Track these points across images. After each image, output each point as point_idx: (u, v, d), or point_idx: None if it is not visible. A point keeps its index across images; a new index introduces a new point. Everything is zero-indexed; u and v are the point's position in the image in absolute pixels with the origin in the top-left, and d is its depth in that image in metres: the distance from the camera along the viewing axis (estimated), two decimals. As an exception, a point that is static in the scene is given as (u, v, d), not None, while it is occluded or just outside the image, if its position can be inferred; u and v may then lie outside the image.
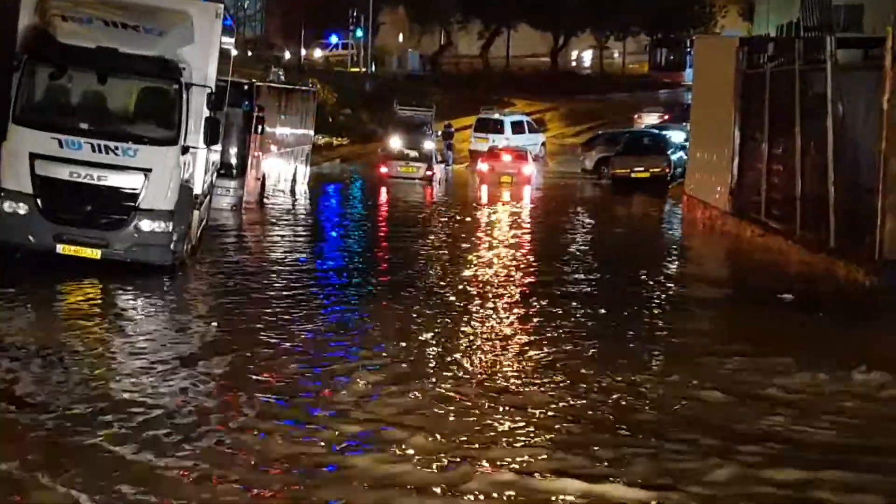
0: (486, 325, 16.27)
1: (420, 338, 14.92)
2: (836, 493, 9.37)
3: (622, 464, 9.96)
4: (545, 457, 10.16)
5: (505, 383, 12.75)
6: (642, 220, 35.05)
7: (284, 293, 18.06)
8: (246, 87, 27.93)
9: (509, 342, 15.09)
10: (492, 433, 10.77)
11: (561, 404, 11.87)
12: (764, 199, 24.76)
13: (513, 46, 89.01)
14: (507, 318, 16.82)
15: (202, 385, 12.25)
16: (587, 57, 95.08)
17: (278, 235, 26.01)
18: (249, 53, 63.87)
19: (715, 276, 22.68)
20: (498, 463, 9.92)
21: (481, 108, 58.78)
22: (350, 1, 73.22)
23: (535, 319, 16.71)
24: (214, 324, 15.59)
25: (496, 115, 57.02)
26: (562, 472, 9.74)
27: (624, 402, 11.94)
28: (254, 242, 25.12)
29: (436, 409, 11.46)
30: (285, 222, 28.64)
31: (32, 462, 9.43)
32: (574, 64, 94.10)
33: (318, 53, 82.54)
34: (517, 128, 55.16)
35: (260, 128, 28.57)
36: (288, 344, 14.39)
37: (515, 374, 13.27)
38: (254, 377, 12.57)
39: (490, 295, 18.67)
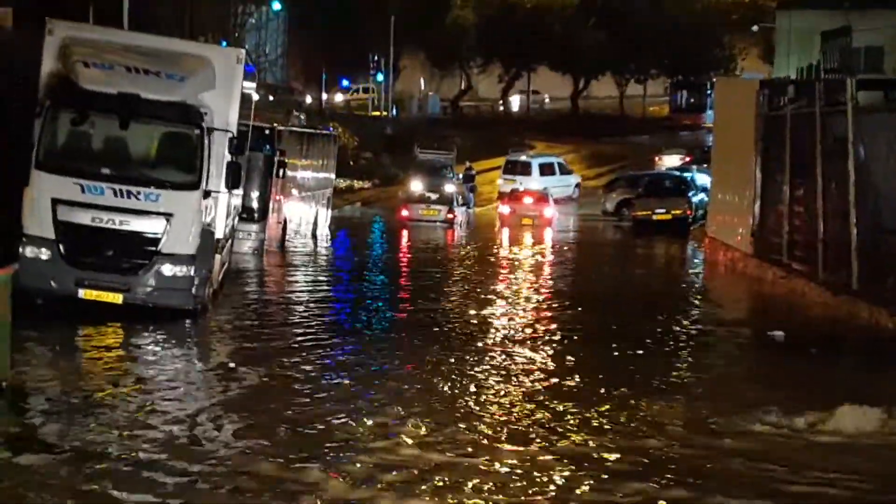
0: (508, 372, 16.11)
1: (445, 389, 14.71)
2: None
3: None
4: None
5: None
6: (664, 263, 35.06)
7: (306, 340, 17.96)
8: (267, 131, 27.96)
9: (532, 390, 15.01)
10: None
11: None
12: (786, 240, 24.66)
13: (537, 89, 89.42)
14: (529, 362, 16.73)
15: (221, 434, 12.12)
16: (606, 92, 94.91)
17: (299, 280, 26.09)
18: (271, 98, 64.05)
19: (735, 319, 22.51)
20: None
21: (509, 151, 59.09)
22: (371, 45, 73.38)
23: (551, 361, 16.59)
24: (232, 364, 15.56)
25: (524, 157, 57.37)
26: None
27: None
28: (275, 287, 25.12)
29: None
30: (306, 266, 28.70)
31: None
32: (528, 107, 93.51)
33: (338, 98, 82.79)
34: (546, 169, 55.41)
35: (281, 172, 28.62)
36: (308, 390, 14.33)
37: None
38: (279, 425, 12.45)
39: (512, 339, 18.66)
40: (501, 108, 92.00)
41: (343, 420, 12.73)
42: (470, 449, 11.65)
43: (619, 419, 13.05)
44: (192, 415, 12.76)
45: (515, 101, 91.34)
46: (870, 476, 11.15)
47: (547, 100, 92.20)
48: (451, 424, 12.59)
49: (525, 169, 55.06)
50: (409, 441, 11.98)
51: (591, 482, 10.69)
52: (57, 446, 11.15)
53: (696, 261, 34.55)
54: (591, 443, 12.08)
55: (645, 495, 10.29)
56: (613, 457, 11.51)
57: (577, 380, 15.40)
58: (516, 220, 44.07)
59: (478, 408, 13.57)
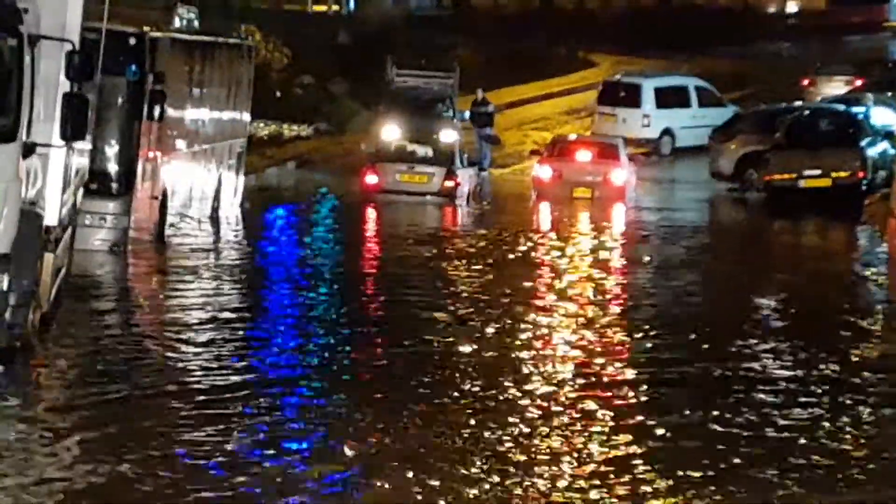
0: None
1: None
2: None
3: None
4: None
5: None
6: (819, 264, 35.02)
7: (196, 403, 18.13)
8: (133, 40, 28.22)
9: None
10: None
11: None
12: None
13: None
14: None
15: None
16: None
17: (190, 296, 26.22)
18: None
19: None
20: None
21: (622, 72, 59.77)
22: None
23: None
24: (69, 441, 15.69)
25: (633, 79, 58.94)
26: None
27: None
28: (147, 309, 25.34)
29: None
30: (202, 273, 28.96)
31: None
32: None
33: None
34: (668, 97, 56.56)
35: (157, 110, 28.79)
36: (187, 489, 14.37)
37: None
38: None
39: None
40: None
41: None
42: None
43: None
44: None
45: None
46: None
47: None
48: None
49: (632, 97, 56.63)
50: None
51: None
52: None
53: (875, 259, 34.51)
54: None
55: None
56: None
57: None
58: (564, 192, 44.19)
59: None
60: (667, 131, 52.24)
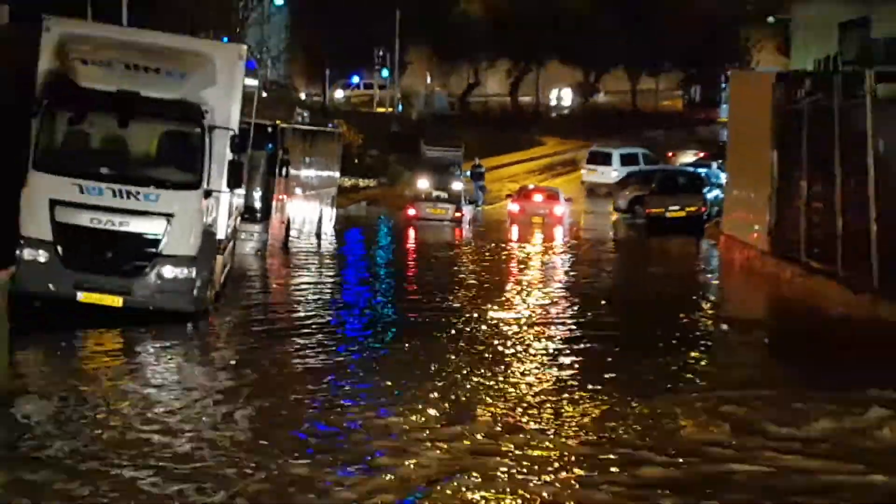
0: (527, 369, 16.25)
1: (451, 390, 14.70)
2: None
3: None
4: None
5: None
6: (678, 261, 34.86)
7: (310, 343, 17.93)
8: (270, 129, 27.96)
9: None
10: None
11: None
12: (803, 238, 24.59)
13: (542, 85, 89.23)
14: (551, 360, 16.88)
15: (224, 438, 12.12)
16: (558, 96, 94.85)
17: (304, 281, 26.10)
18: (272, 95, 64.22)
19: (757, 314, 22.72)
20: None
21: (592, 147, 60.50)
22: (376, 40, 73.23)
23: (569, 360, 16.73)
24: (233, 362, 15.85)
25: (605, 149, 59.01)
26: None
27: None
28: (278, 288, 25.22)
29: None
30: (311, 267, 28.81)
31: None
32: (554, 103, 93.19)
33: (339, 94, 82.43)
34: (627, 160, 56.45)
35: (284, 170, 28.71)
36: (312, 388, 14.48)
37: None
38: (281, 427, 12.52)
39: (527, 340, 18.76)
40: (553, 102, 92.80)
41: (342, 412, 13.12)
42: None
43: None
44: (195, 415, 12.89)
45: (567, 95, 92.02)
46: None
47: (602, 95, 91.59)
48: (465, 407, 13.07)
49: (605, 159, 57.27)
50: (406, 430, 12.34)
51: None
52: (53, 449, 11.17)
53: (711, 259, 34.47)
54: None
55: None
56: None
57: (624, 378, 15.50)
58: (526, 219, 44.17)
59: (490, 400, 13.82)
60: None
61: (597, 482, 10.86)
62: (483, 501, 10.26)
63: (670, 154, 62.31)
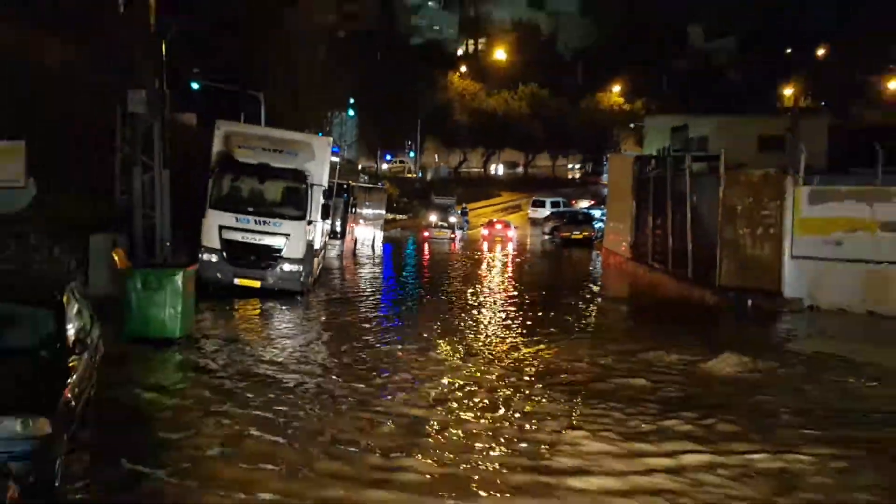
0: (487, 318, 16.08)
1: (448, 332, 14.66)
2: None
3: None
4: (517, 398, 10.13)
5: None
6: (578, 263, 34.50)
7: (371, 306, 18.00)
8: (345, 186, 27.85)
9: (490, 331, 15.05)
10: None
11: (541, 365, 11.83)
12: (650, 250, 24.64)
13: (502, 161, 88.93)
14: (494, 312, 16.74)
15: (318, 355, 12.22)
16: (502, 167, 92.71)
17: (364, 273, 25.84)
18: (346, 167, 64.02)
19: (622, 293, 22.57)
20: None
21: (534, 197, 59.36)
22: (406, 133, 73.66)
23: (507, 315, 16.53)
24: (323, 318, 15.58)
25: (542, 198, 58.29)
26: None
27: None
28: (350, 277, 24.95)
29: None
30: (368, 265, 28.41)
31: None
32: (498, 172, 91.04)
33: (384, 166, 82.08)
34: (553, 204, 55.51)
35: (353, 209, 28.67)
36: (373, 329, 14.37)
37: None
38: (347, 353, 12.44)
39: (489, 301, 18.62)
40: (493, 170, 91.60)
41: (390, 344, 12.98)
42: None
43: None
44: (303, 345, 12.94)
45: (500, 168, 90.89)
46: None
47: (520, 167, 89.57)
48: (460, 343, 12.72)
49: (541, 204, 56.42)
50: (437, 355, 12.11)
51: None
52: (219, 368, 11.23)
53: (596, 262, 34.28)
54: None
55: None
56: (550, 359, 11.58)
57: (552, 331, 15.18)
58: (491, 238, 43.88)
59: (477, 340, 13.63)
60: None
61: (527, 383, 10.95)
62: (455, 388, 10.34)
63: (574, 202, 61.70)
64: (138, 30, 15.94)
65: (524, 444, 8.35)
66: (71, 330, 7.26)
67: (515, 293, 20.97)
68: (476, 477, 7.42)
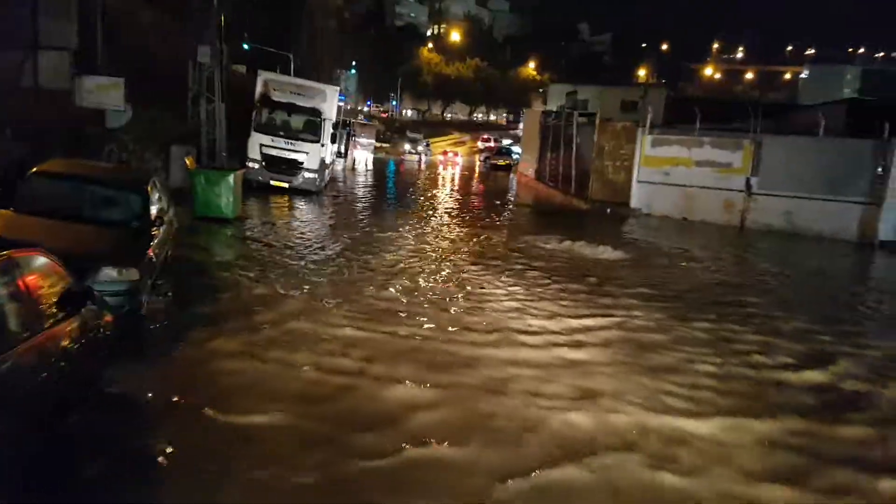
0: (441, 222, 15.85)
1: (415, 220, 14.33)
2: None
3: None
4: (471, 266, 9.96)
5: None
6: (500, 181, 33.90)
7: (365, 202, 17.45)
8: (348, 122, 27.02)
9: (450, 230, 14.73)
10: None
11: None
12: (548, 174, 24.46)
13: (454, 110, 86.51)
14: (445, 217, 16.49)
15: (329, 237, 11.81)
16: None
17: (360, 181, 24.96)
18: (348, 110, 61.35)
19: (528, 202, 22.37)
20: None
21: (482, 135, 56.28)
22: (391, 89, 70.89)
23: (450, 216, 16.33)
24: (331, 209, 15.09)
25: (490, 137, 55.38)
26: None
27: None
28: (350, 184, 24.12)
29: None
30: (364, 176, 27.45)
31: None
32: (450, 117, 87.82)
33: (374, 110, 79.01)
34: (497, 141, 52.65)
35: (353, 138, 27.68)
36: (365, 216, 14.00)
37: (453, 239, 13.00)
38: (348, 229, 12.11)
39: (444, 209, 18.29)
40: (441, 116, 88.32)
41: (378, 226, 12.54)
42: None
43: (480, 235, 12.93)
44: (319, 226, 12.54)
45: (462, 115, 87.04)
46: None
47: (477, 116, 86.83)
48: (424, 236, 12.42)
49: (488, 140, 53.36)
50: (409, 242, 11.72)
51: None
52: (258, 239, 10.90)
53: (512, 181, 33.72)
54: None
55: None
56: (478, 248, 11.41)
57: (467, 220, 15.09)
58: (445, 163, 42.43)
59: (436, 235, 13.37)
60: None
61: (474, 265, 10.80)
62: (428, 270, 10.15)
63: (500, 140, 60.46)
64: (207, 4, 15.08)
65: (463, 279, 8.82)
66: (153, 209, 7.07)
67: (459, 197, 20.64)
68: (432, 296, 7.94)
